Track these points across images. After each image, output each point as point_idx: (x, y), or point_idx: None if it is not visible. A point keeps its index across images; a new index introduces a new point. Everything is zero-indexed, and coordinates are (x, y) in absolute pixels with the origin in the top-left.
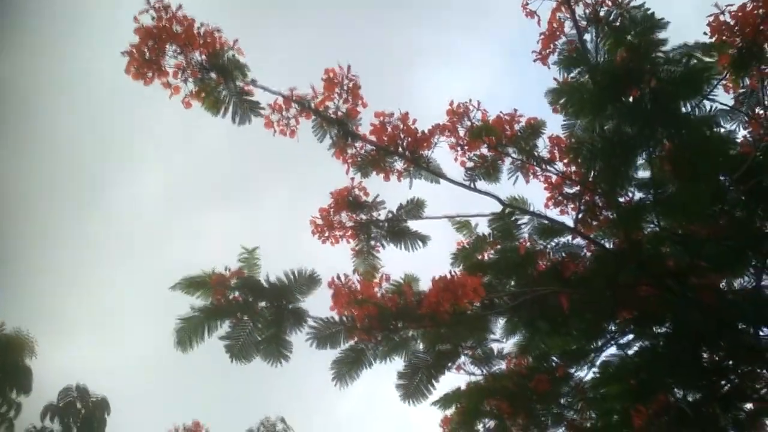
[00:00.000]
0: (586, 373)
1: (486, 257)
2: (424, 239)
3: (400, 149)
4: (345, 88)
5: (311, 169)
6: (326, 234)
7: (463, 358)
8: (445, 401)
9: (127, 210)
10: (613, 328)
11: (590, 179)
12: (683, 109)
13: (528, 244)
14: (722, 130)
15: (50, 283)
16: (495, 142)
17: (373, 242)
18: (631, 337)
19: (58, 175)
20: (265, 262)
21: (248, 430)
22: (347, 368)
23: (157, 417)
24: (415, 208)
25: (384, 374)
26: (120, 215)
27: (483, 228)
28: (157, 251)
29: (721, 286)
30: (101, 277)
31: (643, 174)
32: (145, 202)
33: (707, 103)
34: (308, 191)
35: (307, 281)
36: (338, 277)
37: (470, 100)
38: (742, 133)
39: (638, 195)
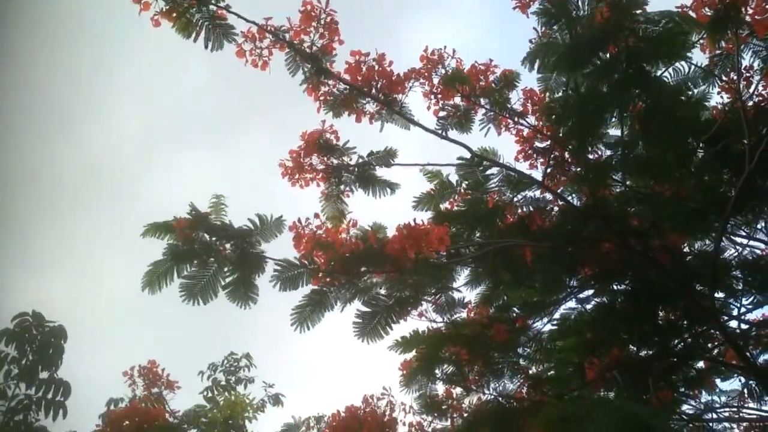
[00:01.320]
0: (544, 325)
1: (454, 207)
2: (393, 187)
3: (373, 91)
4: (322, 22)
5: (292, 114)
6: (296, 176)
7: (425, 305)
8: (404, 344)
9: (104, 145)
10: (574, 283)
11: (561, 135)
12: (659, 71)
13: (496, 196)
14: (695, 91)
15: (18, 215)
16: (468, 91)
17: (342, 187)
18: (590, 292)
19: (33, 107)
20: (241, 204)
21: (211, 364)
22: (309, 311)
23: (121, 349)
24: (386, 156)
25: (348, 319)
26: (97, 150)
27: (454, 180)
28: (133, 188)
29: (682, 247)
30: (74, 211)
31: (614, 133)
32: (123, 138)
33: (684, 64)
34: (288, 136)
35: (272, 226)
36: (299, 221)
37: (445, 47)
38: (715, 93)
39: (607, 153)
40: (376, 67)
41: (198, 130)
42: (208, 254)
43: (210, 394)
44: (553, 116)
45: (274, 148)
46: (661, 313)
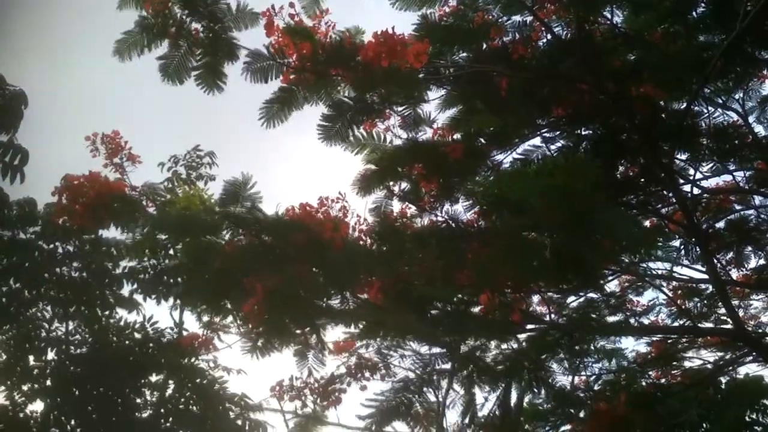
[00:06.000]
0: (505, 158)
1: (442, 20)
2: None
3: None
4: None
5: None
6: None
7: (392, 120)
8: (361, 145)
9: None
10: (543, 123)
11: None
12: None
13: (484, 15)
14: None
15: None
16: None
17: None
18: (557, 133)
19: None
20: None
21: (172, 156)
22: (276, 109)
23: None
24: None
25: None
26: None
27: None
28: None
29: (656, 102)
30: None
31: None
32: None
33: None
34: None
35: (246, 15)
36: (272, 7)
37: None
38: None
39: None
40: None
41: None
42: (178, 34)
43: (170, 185)
44: None
45: None
46: (620, 168)
